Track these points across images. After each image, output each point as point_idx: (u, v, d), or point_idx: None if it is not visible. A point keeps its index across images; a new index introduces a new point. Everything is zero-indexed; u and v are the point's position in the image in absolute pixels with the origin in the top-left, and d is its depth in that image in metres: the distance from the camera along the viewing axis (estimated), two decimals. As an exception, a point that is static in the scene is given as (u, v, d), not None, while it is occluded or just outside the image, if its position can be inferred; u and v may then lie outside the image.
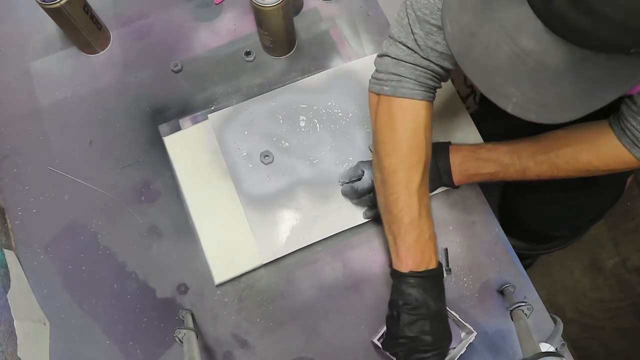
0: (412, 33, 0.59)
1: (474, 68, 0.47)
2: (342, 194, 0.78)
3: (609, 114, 0.67)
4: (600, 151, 0.65)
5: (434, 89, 0.64)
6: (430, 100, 0.64)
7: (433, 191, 0.75)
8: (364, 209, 0.78)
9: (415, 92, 0.62)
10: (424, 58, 0.60)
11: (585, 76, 0.41)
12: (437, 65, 0.61)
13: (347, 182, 0.77)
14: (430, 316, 0.61)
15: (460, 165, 0.72)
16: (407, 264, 0.62)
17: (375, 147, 0.66)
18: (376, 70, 0.66)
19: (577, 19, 0.36)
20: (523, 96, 0.44)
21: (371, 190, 0.73)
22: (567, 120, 0.45)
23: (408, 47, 0.60)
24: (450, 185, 0.74)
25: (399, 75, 0.62)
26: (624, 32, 0.36)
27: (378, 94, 0.66)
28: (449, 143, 0.74)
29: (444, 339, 0.62)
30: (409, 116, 0.63)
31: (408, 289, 0.61)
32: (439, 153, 0.72)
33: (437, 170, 0.72)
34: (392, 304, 0.63)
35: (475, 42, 0.44)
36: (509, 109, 0.46)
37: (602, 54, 0.39)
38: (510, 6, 0.41)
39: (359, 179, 0.75)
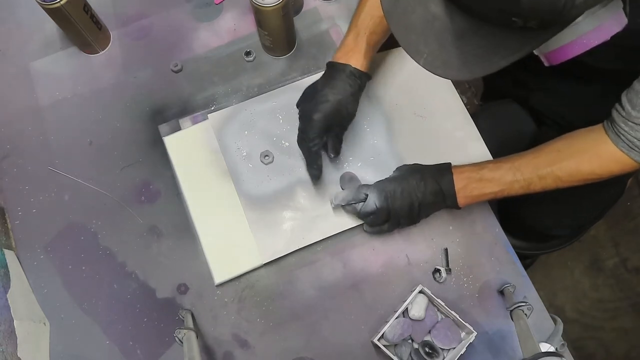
0: None
1: (396, 25, 0.52)
2: (337, 204, 0.75)
3: (600, 119, 0.68)
4: (601, 159, 0.67)
5: None
6: None
7: (434, 212, 0.75)
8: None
9: None
10: None
11: (480, 43, 0.48)
12: None
13: (347, 205, 0.74)
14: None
15: (464, 189, 0.72)
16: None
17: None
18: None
19: None
20: (431, 54, 0.50)
21: (374, 213, 0.72)
22: (466, 79, 0.53)
23: None
24: (454, 207, 0.73)
25: None
26: (499, 10, 0.42)
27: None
28: (449, 165, 0.74)
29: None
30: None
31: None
32: (442, 176, 0.72)
33: (442, 193, 0.72)
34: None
35: (398, 4, 0.51)
36: (421, 63, 0.51)
37: (493, 26, 0.46)
38: None
39: (361, 202, 0.74)
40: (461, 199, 0.72)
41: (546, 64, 0.64)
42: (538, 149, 0.71)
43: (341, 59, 0.73)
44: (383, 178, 0.75)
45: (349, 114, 0.74)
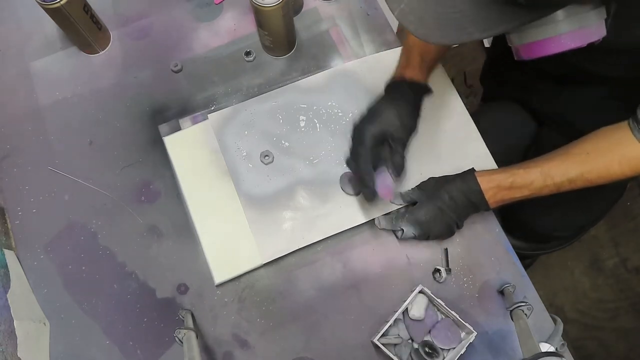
0: None
1: None
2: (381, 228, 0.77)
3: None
4: (630, 160, 0.67)
5: None
6: None
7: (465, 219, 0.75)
8: (364, 209, 0.78)
9: None
10: None
11: (461, 7, 0.45)
12: None
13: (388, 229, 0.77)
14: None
15: (494, 197, 0.71)
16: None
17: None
18: None
19: None
20: (409, 5, 0.47)
21: (414, 238, 0.75)
22: (435, 42, 0.49)
23: None
24: (486, 210, 0.74)
25: None
26: None
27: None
28: (473, 173, 0.72)
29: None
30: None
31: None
32: (470, 189, 0.71)
33: (474, 206, 0.72)
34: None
35: None
36: (395, 14, 0.49)
37: None
38: None
39: (399, 231, 0.75)
40: (492, 204, 0.72)
41: (516, 58, 0.63)
42: (564, 151, 0.71)
43: (396, 76, 0.75)
44: (407, 191, 0.76)
45: (408, 126, 0.73)
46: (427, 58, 0.76)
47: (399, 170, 0.72)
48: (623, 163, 0.67)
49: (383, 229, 0.77)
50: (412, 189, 0.77)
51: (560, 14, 0.55)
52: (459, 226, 0.74)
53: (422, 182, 0.77)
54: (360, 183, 0.72)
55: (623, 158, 0.67)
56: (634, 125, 0.65)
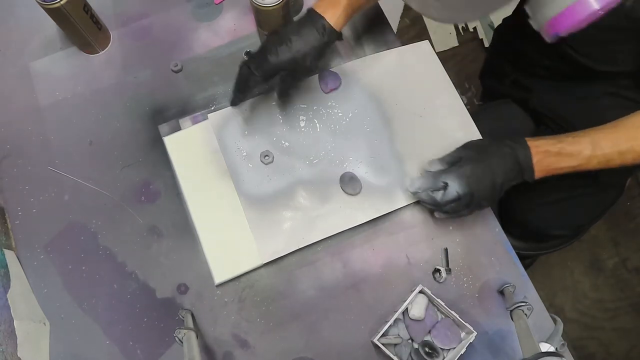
0: None
1: None
2: (414, 195, 0.75)
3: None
4: None
5: None
6: None
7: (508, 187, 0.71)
8: (365, 209, 0.77)
9: None
10: None
11: None
12: None
13: (423, 192, 0.72)
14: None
15: (540, 162, 0.69)
16: None
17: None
18: None
19: None
20: None
21: (457, 200, 0.69)
22: (464, 20, 0.48)
23: None
24: (530, 180, 0.71)
25: None
26: None
27: None
28: (524, 138, 0.70)
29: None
30: None
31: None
32: (519, 151, 0.69)
33: (520, 169, 0.69)
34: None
35: None
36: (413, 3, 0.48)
37: None
38: None
39: (440, 190, 0.71)
40: (537, 173, 0.70)
41: (548, 39, 0.59)
42: (614, 125, 0.69)
43: (319, 8, 0.70)
44: (448, 153, 0.72)
45: (309, 67, 0.71)
46: (356, 2, 0.71)
47: (285, 94, 0.76)
48: None
49: (417, 192, 0.72)
50: (456, 148, 0.73)
51: None
52: (501, 192, 0.70)
53: (467, 142, 0.74)
54: (236, 85, 0.73)
55: None
56: None
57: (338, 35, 0.72)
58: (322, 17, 0.69)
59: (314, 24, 0.69)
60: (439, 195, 0.70)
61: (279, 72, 0.70)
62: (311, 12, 0.71)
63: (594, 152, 0.68)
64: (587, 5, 0.54)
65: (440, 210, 0.73)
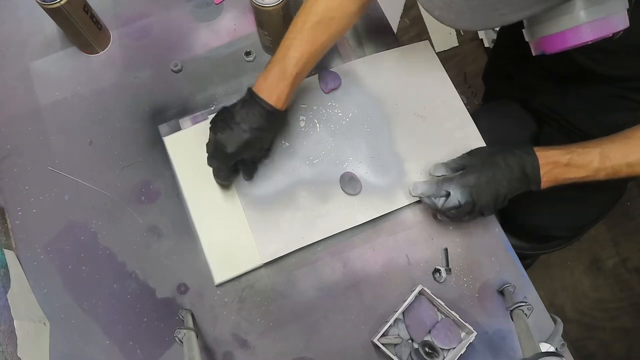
0: None
1: None
2: (416, 195, 0.75)
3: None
4: None
5: None
6: None
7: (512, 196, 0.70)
8: (364, 209, 0.78)
9: None
10: None
11: None
12: None
13: (426, 198, 0.73)
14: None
15: (549, 173, 0.68)
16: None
17: None
18: None
19: None
20: None
21: (457, 208, 0.69)
22: (464, 27, 0.47)
23: None
24: (536, 190, 0.70)
25: None
26: None
27: None
28: (532, 148, 0.69)
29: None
30: None
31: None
32: (527, 162, 0.68)
33: (527, 180, 0.68)
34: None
35: None
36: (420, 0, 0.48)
37: None
38: None
39: (442, 197, 0.71)
40: (544, 183, 0.69)
41: (535, 53, 0.60)
42: (625, 135, 0.68)
43: (262, 92, 0.67)
44: (453, 159, 0.72)
45: (263, 149, 0.74)
46: (297, 83, 0.69)
47: (251, 176, 0.78)
48: None
49: (419, 196, 0.72)
50: (460, 155, 0.73)
51: (580, 3, 0.53)
52: (505, 202, 0.70)
53: (473, 149, 0.73)
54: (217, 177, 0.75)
55: None
56: None
57: (284, 115, 0.71)
58: (267, 104, 0.67)
59: (263, 109, 0.67)
60: (440, 202, 0.71)
61: (242, 158, 0.72)
62: (254, 96, 0.68)
63: (602, 164, 0.67)
64: (578, 36, 0.55)
65: (442, 214, 0.73)
